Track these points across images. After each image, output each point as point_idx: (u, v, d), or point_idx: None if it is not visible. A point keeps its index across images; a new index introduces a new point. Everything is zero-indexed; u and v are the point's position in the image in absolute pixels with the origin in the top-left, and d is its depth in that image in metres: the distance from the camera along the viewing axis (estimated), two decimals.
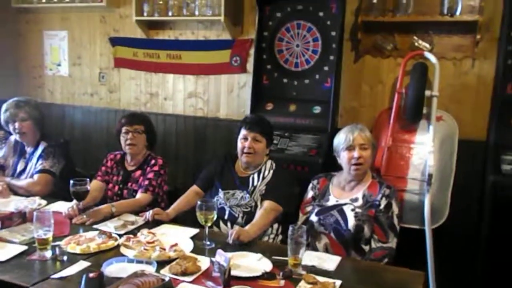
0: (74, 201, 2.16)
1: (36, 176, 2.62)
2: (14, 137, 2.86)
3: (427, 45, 2.83)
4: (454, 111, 2.81)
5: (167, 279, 1.50)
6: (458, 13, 2.68)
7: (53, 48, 4.29)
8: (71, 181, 2.11)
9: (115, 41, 3.95)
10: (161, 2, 3.52)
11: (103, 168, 2.62)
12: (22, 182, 2.63)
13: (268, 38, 3.15)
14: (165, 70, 3.78)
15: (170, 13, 3.50)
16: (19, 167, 2.78)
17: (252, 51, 3.31)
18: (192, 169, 3.57)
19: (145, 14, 3.56)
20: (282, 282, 1.55)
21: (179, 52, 3.70)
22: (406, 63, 2.74)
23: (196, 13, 3.40)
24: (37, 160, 2.70)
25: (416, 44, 2.86)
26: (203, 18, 3.41)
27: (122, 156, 2.65)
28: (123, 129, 2.55)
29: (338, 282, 1.55)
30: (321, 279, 1.55)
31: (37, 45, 4.32)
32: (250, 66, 3.37)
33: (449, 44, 2.84)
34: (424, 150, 2.61)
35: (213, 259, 1.60)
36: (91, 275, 1.49)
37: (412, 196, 2.60)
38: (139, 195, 2.43)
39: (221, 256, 1.55)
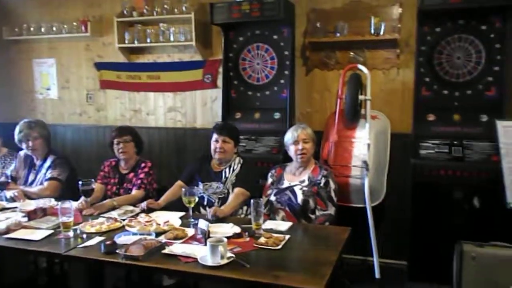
0: (83, 198, 2.64)
1: (46, 183, 3.06)
2: (23, 152, 3.27)
3: (361, 59, 3.49)
4: (386, 111, 3.43)
5: (163, 241, 2.07)
6: (382, 32, 3.35)
7: (42, 74, 4.74)
8: (80, 182, 2.58)
9: (100, 66, 4.44)
10: (140, 29, 4.06)
11: (102, 173, 3.11)
12: (35, 188, 3.06)
13: (233, 58, 3.74)
14: (146, 89, 4.29)
15: (148, 40, 4.05)
16: (30, 178, 3.21)
17: (221, 70, 3.87)
18: (175, 173, 3.92)
19: (126, 41, 4.09)
20: (248, 239, 2.12)
21: (158, 73, 4.22)
22: (345, 74, 3.32)
23: (171, 39, 3.97)
24: (47, 170, 3.13)
25: (353, 58, 3.52)
26: (177, 43, 3.98)
27: (116, 162, 3.14)
28: (115, 141, 3.04)
29: (287, 236, 2.12)
30: (275, 235, 2.12)
31: (27, 72, 4.77)
32: (219, 82, 3.94)
33: (379, 57, 3.50)
34: (362, 143, 3.23)
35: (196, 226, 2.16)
36: (107, 242, 2.03)
37: (356, 180, 3.19)
38: (134, 191, 2.93)
39: (202, 223, 2.11)
